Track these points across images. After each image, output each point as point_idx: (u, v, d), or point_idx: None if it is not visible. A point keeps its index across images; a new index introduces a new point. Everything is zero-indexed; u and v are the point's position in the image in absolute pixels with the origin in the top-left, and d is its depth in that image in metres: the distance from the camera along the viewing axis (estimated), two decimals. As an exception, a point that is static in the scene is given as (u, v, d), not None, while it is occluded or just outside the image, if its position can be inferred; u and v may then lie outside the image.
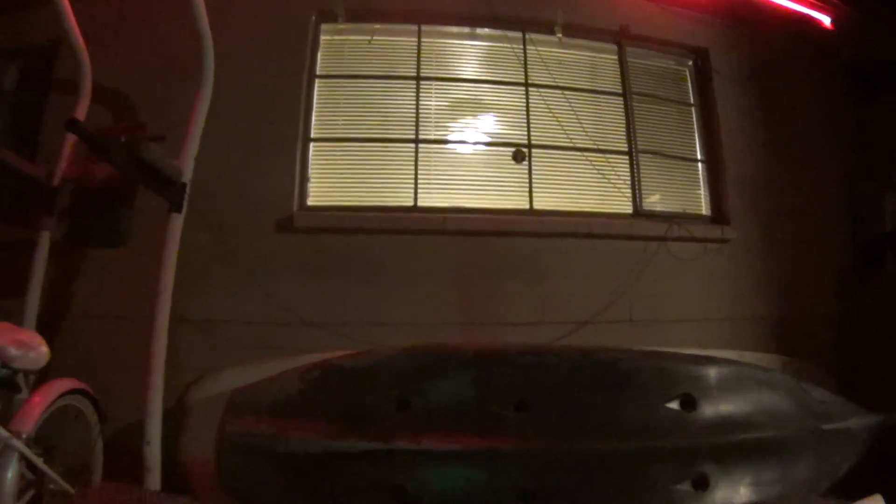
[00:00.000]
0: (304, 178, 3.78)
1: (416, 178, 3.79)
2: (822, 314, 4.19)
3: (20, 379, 2.58)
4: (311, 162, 3.78)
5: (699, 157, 4.33)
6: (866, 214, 4.57)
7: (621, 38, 4.30)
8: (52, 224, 3.48)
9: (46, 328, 2.97)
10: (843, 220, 4.46)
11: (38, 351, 2.57)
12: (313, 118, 3.85)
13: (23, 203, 3.61)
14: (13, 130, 4.11)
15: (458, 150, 3.98)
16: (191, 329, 3.34)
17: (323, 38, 4.03)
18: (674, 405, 3.09)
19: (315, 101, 3.88)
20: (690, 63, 4.50)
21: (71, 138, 3.57)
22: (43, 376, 2.68)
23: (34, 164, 3.59)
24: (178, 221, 3.14)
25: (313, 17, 3.97)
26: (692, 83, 4.46)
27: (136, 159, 2.89)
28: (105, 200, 3.48)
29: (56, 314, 3.52)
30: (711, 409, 3.03)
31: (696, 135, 4.34)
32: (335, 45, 4.05)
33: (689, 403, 3.07)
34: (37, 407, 2.37)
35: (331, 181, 3.83)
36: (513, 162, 3.84)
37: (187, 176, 3.17)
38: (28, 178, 3.39)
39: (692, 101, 4.43)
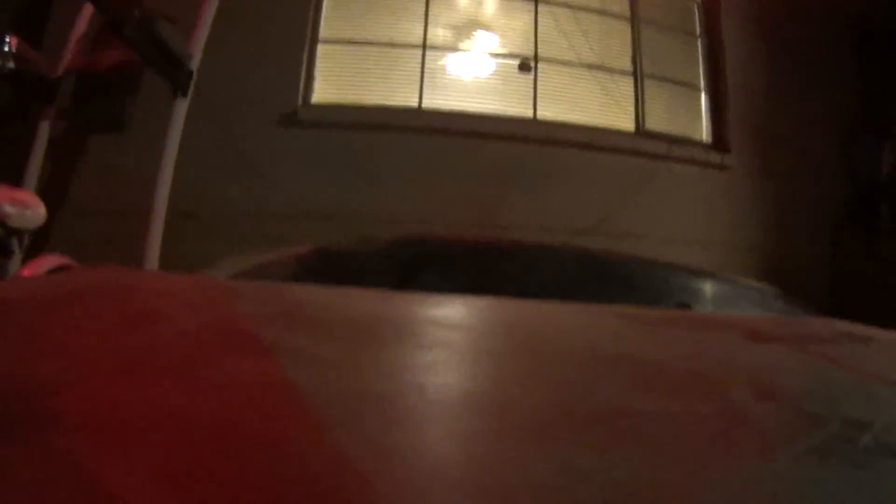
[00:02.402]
0: (310, 77, 3.78)
1: (421, 82, 3.80)
2: (813, 255, 4.24)
3: (14, 243, 2.57)
4: (318, 61, 3.79)
5: (702, 85, 4.36)
6: (863, 165, 4.61)
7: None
8: (51, 115, 3.46)
9: (42, 225, 2.97)
10: (840, 168, 4.49)
11: (35, 210, 2.55)
12: (322, 19, 3.84)
13: (24, 93, 3.58)
14: (19, 22, 4.07)
15: (464, 59, 3.99)
16: (190, 222, 3.34)
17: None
18: (669, 312, 3.14)
19: (325, 1, 3.87)
20: (700, -4, 4.50)
21: (77, 31, 3.54)
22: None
23: (39, 53, 3.56)
24: (182, 107, 3.13)
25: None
26: (700, 15, 4.46)
27: (149, 36, 2.87)
28: (108, 87, 3.47)
29: (52, 210, 3.50)
30: None
31: (701, 66, 4.37)
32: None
33: (685, 314, 3.11)
34: None
35: (336, 81, 3.84)
36: (518, 72, 3.86)
37: (195, 64, 3.16)
38: (31, 66, 3.37)
39: (698, 32, 4.44)
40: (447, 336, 0.75)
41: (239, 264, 3.26)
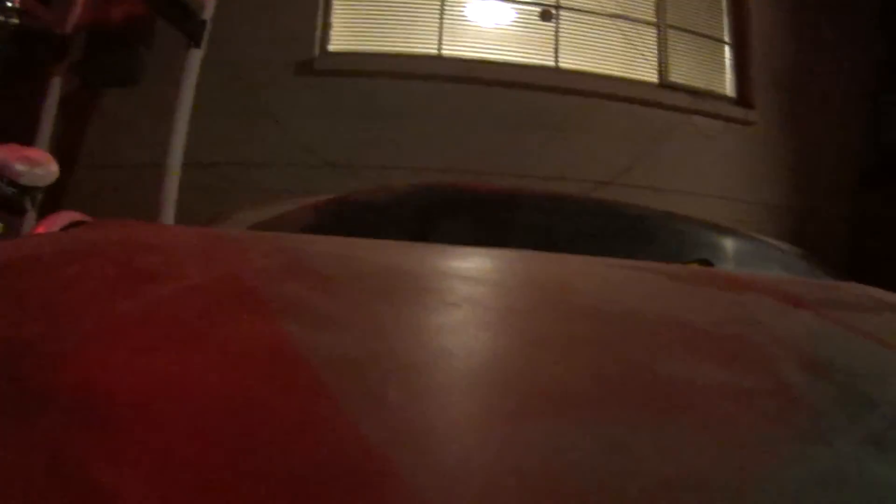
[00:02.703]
0: (327, 24, 3.71)
1: (440, 29, 3.72)
2: (835, 214, 4.17)
3: (27, 202, 2.53)
4: (333, 9, 3.71)
5: (727, 39, 4.27)
6: (887, 126, 4.51)
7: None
8: (62, 71, 3.41)
9: (56, 181, 2.94)
10: (864, 128, 4.41)
11: (47, 167, 2.52)
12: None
13: (35, 50, 3.53)
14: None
15: (484, 6, 3.90)
16: (206, 174, 3.30)
17: None
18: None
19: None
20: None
21: (85, -14, 3.47)
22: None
23: (48, 8, 3.50)
24: (196, 57, 3.08)
25: None
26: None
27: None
28: (120, 39, 3.41)
29: (66, 166, 3.47)
30: None
31: (725, 18, 4.27)
32: None
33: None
34: None
35: (353, 28, 3.77)
36: (540, 21, 3.78)
37: (208, 13, 3.11)
38: (39, 22, 3.31)
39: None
40: (474, 292, 0.68)
41: (256, 216, 3.21)
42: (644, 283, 0.87)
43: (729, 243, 3.19)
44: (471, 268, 0.86)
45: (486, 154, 3.48)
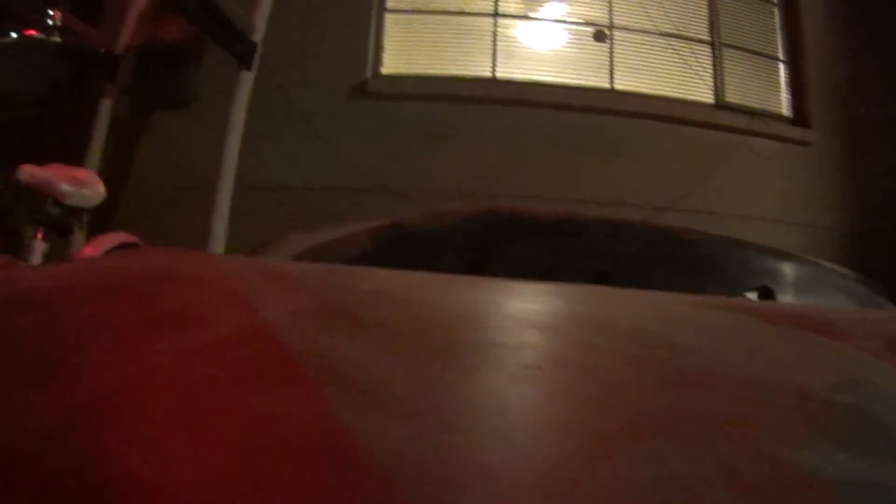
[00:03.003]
0: (379, 47, 3.70)
1: (494, 52, 3.69)
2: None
3: (74, 223, 2.52)
4: (386, 32, 3.71)
5: (781, 56, 4.17)
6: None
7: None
8: (113, 92, 3.43)
9: (104, 202, 2.93)
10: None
11: (93, 188, 2.50)
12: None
13: (85, 73, 3.55)
14: (76, 11, 4.07)
15: (537, 28, 3.87)
16: (259, 196, 3.28)
17: None
18: (752, 296, 2.98)
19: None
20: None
21: (137, 6, 3.49)
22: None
23: (99, 29, 3.53)
24: (247, 80, 3.06)
25: None
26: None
27: (206, 6, 2.80)
28: (170, 61, 3.42)
29: (116, 187, 3.48)
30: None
31: (779, 34, 4.18)
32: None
33: (768, 297, 2.94)
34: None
35: (405, 51, 3.76)
36: (594, 41, 3.73)
37: (259, 35, 3.09)
38: (83, 41, 3.34)
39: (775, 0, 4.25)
40: (555, 350, 0.58)
41: (309, 240, 3.17)
42: (743, 331, 0.76)
43: (788, 269, 3.08)
44: (545, 313, 0.76)
45: (542, 178, 3.42)
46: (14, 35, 2.82)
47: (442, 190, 3.35)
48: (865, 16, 4.19)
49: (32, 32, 2.91)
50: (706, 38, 3.98)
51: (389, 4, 3.76)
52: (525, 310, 0.75)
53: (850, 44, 4.12)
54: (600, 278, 3.01)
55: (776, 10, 4.23)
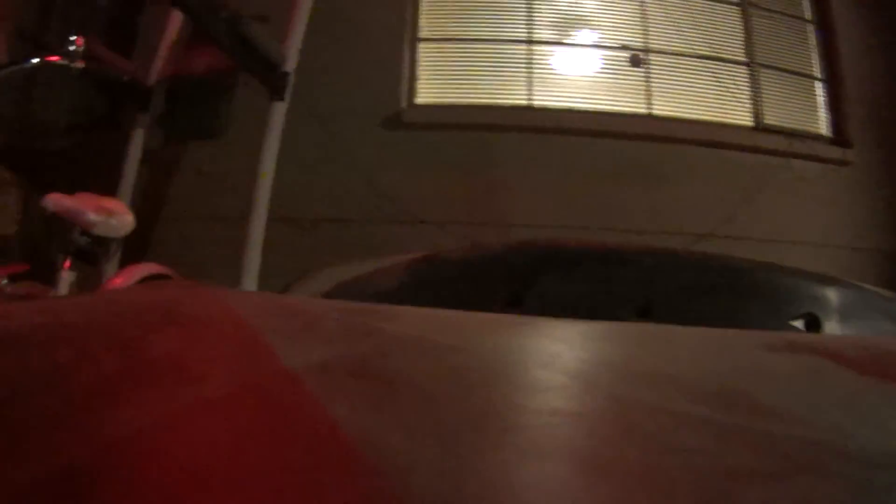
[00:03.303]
0: (413, 77, 3.69)
1: (530, 79, 3.66)
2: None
3: (102, 253, 2.50)
4: (419, 61, 3.69)
5: (818, 75, 4.10)
6: None
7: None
8: (145, 122, 3.44)
9: (137, 232, 2.93)
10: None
11: (122, 218, 2.47)
12: (421, 18, 3.74)
13: (117, 104, 3.57)
14: (108, 41, 4.11)
15: (572, 54, 3.84)
16: (292, 229, 3.26)
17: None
18: (798, 324, 2.89)
19: (422, 1, 3.77)
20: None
21: (167, 40, 3.51)
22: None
23: (130, 59, 3.55)
24: (279, 111, 3.05)
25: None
26: None
27: (238, 36, 2.80)
28: (202, 92, 3.43)
29: (148, 218, 3.48)
30: (836, 333, 2.85)
31: (815, 52, 4.11)
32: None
33: (814, 324, 2.85)
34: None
35: (440, 81, 3.74)
36: (630, 66, 3.69)
37: (291, 65, 3.08)
38: (123, 75, 3.35)
39: (809, 17, 4.17)
40: (595, 412, 0.48)
41: (344, 273, 3.13)
42: (832, 385, 0.63)
43: (833, 294, 2.99)
44: (593, 363, 0.66)
45: (581, 207, 3.38)
46: (37, 60, 2.81)
47: (479, 221, 3.31)
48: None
49: (56, 58, 2.91)
50: (742, 58, 3.93)
51: (423, 34, 3.75)
52: (570, 360, 0.66)
53: (887, 61, 4.04)
54: (643, 310, 2.95)
55: (811, 28, 4.16)
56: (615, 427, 0.45)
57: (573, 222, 3.30)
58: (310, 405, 0.41)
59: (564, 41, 3.85)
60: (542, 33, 3.78)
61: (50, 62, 3.00)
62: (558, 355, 0.67)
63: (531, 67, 3.69)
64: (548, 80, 3.71)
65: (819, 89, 4.10)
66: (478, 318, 0.79)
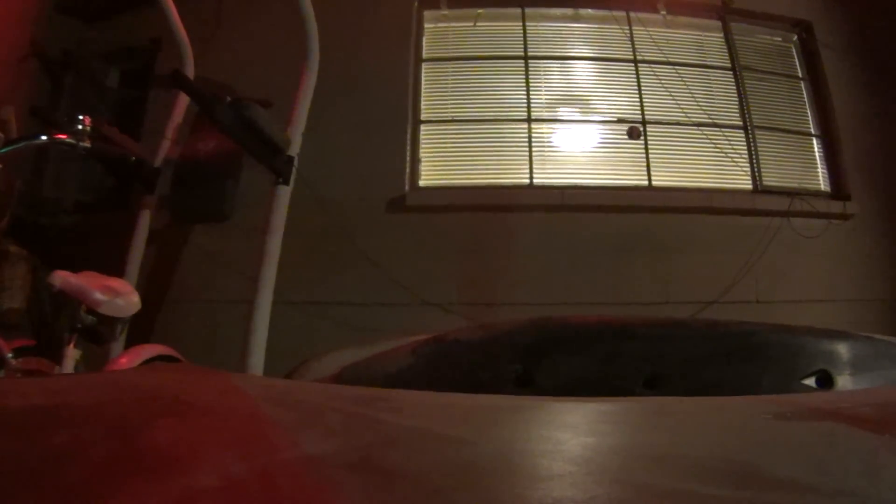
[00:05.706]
0: (415, 159, 3.74)
1: (530, 158, 3.72)
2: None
3: (107, 332, 2.50)
4: (421, 143, 3.75)
5: (813, 131, 4.14)
6: None
7: (724, 13, 4.16)
8: (152, 204, 3.48)
9: (143, 313, 2.92)
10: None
11: (128, 298, 2.48)
12: (422, 100, 3.83)
13: (125, 184, 3.62)
14: (117, 122, 4.20)
15: (571, 129, 3.91)
16: (297, 312, 3.27)
17: (426, 24, 4.03)
18: (809, 382, 2.84)
19: (423, 84, 3.86)
20: (795, 37, 4.32)
21: (173, 123, 3.58)
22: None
23: (137, 143, 3.61)
24: (284, 195, 3.08)
25: (415, 4, 3.96)
26: (799, 57, 4.29)
27: (242, 120, 2.84)
28: (208, 175, 3.48)
29: (154, 298, 3.49)
30: (848, 387, 2.81)
31: (809, 109, 4.17)
32: (439, 31, 4.06)
33: (826, 381, 2.81)
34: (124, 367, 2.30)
35: (442, 162, 3.80)
36: (628, 139, 3.72)
37: (295, 150, 3.13)
38: (130, 156, 3.40)
39: (801, 74, 4.25)
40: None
41: (351, 356, 3.12)
42: (847, 451, 0.59)
43: (843, 349, 2.96)
44: (602, 450, 0.64)
45: (586, 283, 3.39)
46: (44, 138, 2.86)
47: (484, 301, 3.32)
48: (888, 78, 4.13)
49: (64, 136, 2.98)
50: (738, 122, 3.98)
51: (424, 115, 3.82)
52: (575, 446, 0.65)
53: (879, 109, 4.08)
54: (654, 381, 2.92)
55: (804, 86, 4.23)
56: None
57: (579, 298, 3.29)
58: (309, 499, 0.41)
59: (562, 118, 3.92)
60: (542, 113, 3.85)
61: (58, 140, 3.05)
62: (564, 442, 0.66)
63: (531, 146, 3.75)
64: (548, 158, 3.76)
65: (815, 145, 4.14)
66: (483, 405, 0.78)
